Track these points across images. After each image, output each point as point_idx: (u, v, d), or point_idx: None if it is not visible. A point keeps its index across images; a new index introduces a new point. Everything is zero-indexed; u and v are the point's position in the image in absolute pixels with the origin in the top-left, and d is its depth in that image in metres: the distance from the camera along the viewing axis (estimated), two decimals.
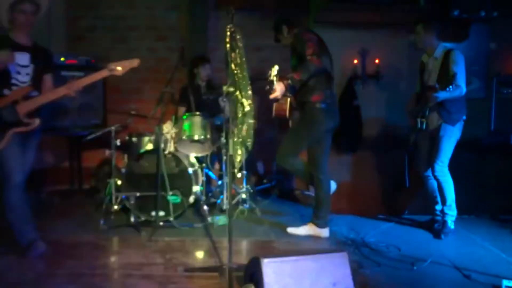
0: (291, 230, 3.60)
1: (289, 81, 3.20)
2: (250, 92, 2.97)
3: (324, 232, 3.53)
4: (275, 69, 3.10)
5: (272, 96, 3.20)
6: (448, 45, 3.66)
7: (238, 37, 2.72)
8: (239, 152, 3.33)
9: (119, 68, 3.04)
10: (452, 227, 3.61)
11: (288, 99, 3.56)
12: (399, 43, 5.04)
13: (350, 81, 4.99)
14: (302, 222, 3.67)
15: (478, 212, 4.14)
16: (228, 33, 2.70)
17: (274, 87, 3.12)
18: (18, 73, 2.98)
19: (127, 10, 5.43)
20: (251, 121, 3.10)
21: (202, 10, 5.34)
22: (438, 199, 3.74)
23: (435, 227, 3.70)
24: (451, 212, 3.62)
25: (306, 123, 3.49)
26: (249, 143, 3.30)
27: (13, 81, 2.97)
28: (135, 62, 3.14)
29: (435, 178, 3.60)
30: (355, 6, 4.67)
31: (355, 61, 5.06)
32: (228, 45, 2.70)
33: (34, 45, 3.11)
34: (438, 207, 3.78)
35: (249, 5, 5.23)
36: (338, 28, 4.96)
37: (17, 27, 2.99)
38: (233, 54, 2.71)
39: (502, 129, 4.23)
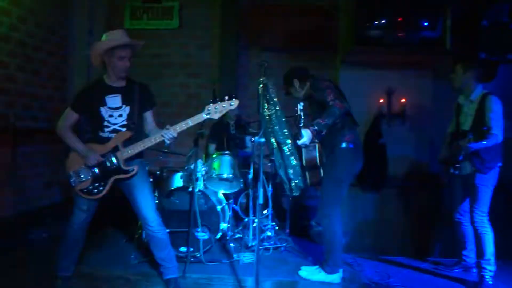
0: (303, 274, 3.57)
1: (315, 127, 3.18)
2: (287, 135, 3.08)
3: (335, 279, 3.46)
4: (300, 105, 3.08)
5: (300, 142, 3.17)
6: (485, 88, 3.56)
7: (271, 88, 2.83)
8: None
9: (216, 113, 2.94)
10: (490, 282, 3.40)
11: (317, 145, 3.43)
12: (425, 83, 5.12)
13: (376, 119, 5.07)
14: None
15: (506, 258, 4.06)
16: (261, 86, 2.80)
17: (301, 133, 3.11)
18: (111, 116, 3.04)
19: (162, 48, 5.72)
20: (294, 162, 3.21)
21: (233, 49, 5.59)
22: (467, 245, 3.73)
23: (470, 280, 3.60)
24: (490, 267, 3.42)
25: (338, 166, 3.42)
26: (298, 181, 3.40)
27: (105, 123, 3.05)
28: (234, 104, 2.96)
29: (475, 228, 3.47)
30: (382, 48, 4.76)
31: (381, 100, 5.15)
32: (261, 97, 2.80)
33: (128, 84, 3.11)
34: (466, 252, 3.76)
35: (277, 45, 5.43)
36: (365, 68, 5.10)
37: (114, 71, 3.02)
38: (266, 105, 2.82)
39: None
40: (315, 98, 3.41)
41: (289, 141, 3.28)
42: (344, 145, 3.41)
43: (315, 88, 3.44)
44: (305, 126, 3.15)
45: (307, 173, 3.44)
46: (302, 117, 3.06)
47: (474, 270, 3.71)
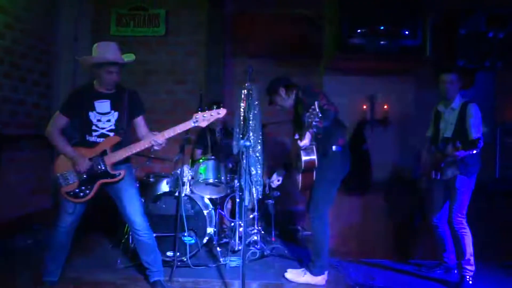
0: (289, 276, 3.63)
1: (314, 129, 3.17)
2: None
3: (320, 281, 3.54)
4: (316, 103, 3.04)
5: (302, 144, 3.23)
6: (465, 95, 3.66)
7: (253, 94, 2.91)
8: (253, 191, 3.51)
9: (204, 121, 3.07)
10: (471, 282, 3.52)
11: (314, 147, 3.44)
12: (407, 90, 5.26)
13: (359, 125, 5.19)
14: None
15: (484, 258, 4.16)
16: (245, 91, 2.88)
17: (305, 135, 3.17)
18: (99, 120, 3.11)
19: (148, 55, 5.75)
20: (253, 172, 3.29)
21: (219, 56, 5.65)
22: (446, 247, 3.82)
23: (451, 281, 3.69)
24: (470, 268, 3.54)
25: (331, 169, 3.50)
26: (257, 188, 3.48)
27: (94, 127, 3.11)
28: (221, 113, 3.13)
29: (454, 229, 3.57)
30: (365, 55, 4.89)
31: (364, 107, 5.27)
32: (244, 103, 2.88)
33: (117, 91, 3.17)
34: (446, 254, 3.85)
35: (263, 53, 5.52)
36: (348, 75, 5.22)
37: (101, 83, 3.10)
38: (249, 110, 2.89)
39: (507, 177, 4.32)
40: (305, 105, 3.40)
41: (259, 147, 3.36)
42: (336, 148, 3.51)
43: (307, 94, 3.48)
44: (306, 129, 3.17)
45: (300, 176, 3.52)
46: (319, 116, 3.00)
47: (455, 271, 3.81)
